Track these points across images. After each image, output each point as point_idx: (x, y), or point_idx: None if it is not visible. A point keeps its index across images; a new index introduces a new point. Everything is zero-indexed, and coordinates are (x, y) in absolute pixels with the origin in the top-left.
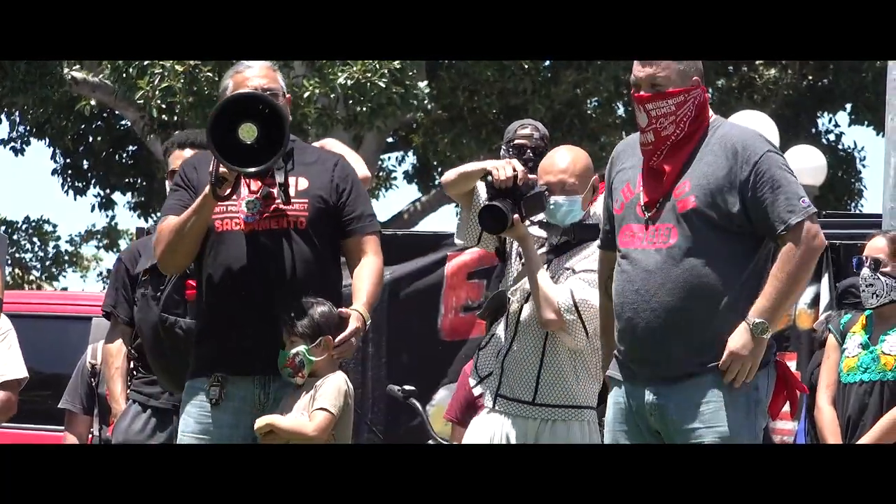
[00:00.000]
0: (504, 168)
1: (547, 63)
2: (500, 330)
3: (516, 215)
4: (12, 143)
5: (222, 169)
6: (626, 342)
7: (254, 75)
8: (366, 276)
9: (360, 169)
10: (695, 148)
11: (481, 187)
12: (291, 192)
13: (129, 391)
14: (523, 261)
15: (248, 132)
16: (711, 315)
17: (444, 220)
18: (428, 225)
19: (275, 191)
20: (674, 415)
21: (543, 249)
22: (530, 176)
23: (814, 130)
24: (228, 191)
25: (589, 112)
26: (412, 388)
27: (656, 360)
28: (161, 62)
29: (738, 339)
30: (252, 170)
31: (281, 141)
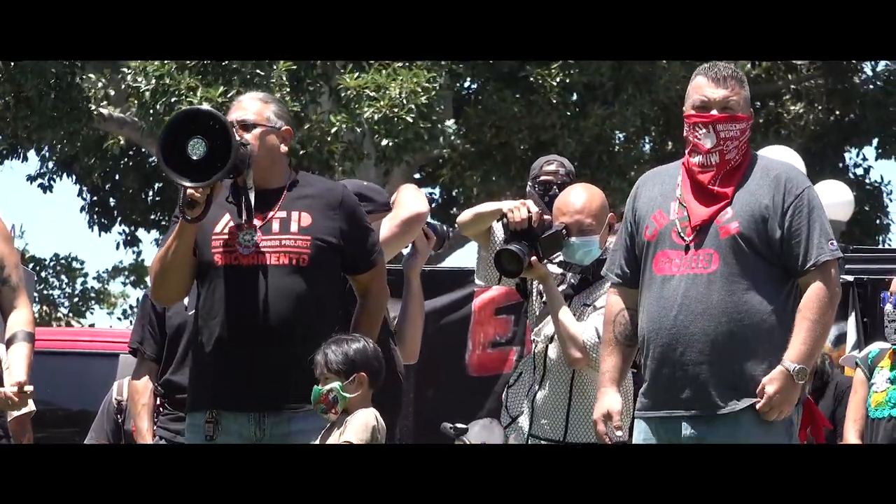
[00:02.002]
0: (518, 209)
1: (574, 98)
2: (526, 369)
3: (534, 257)
4: (40, 180)
5: (189, 191)
6: (663, 370)
7: (234, 108)
8: (364, 325)
9: (418, 205)
10: (741, 177)
11: (498, 228)
12: (294, 227)
13: (155, 427)
14: (544, 299)
15: (194, 147)
16: (753, 343)
17: (470, 256)
18: (455, 261)
19: (276, 225)
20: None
21: (563, 287)
22: (545, 217)
23: (840, 165)
24: (199, 213)
25: (616, 148)
26: (464, 426)
27: (696, 389)
28: (189, 100)
29: (777, 384)
30: (188, 183)
31: (227, 156)
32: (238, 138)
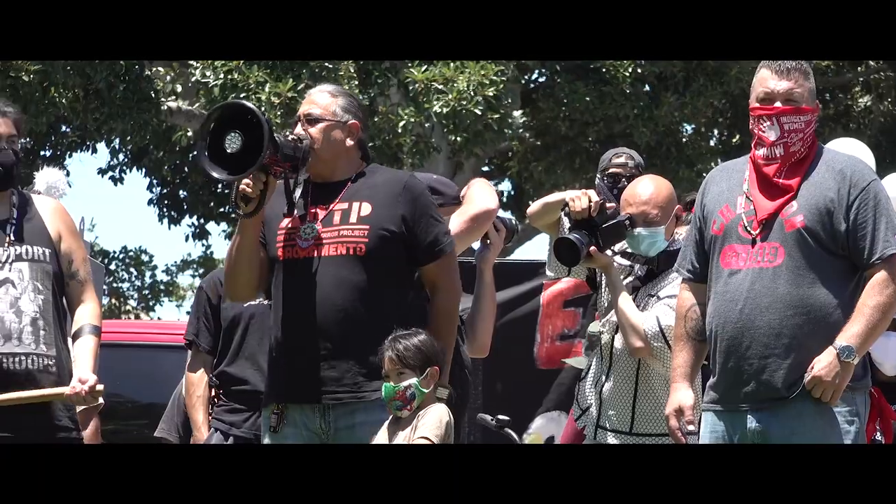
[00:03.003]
0: (580, 199)
1: (647, 89)
2: (595, 361)
3: (593, 247)
4: (111, 172)
5: (241, 186)
6: (729, 363)
7: (305, 101)
8: (442, 337)
9: (488, 201)
10: (807, 169)
11: (564, 219)
12: (353, 217)
13: (211, 419)
14: None
15: (231, 141)
16: (818, 336)
17: (539, 248)
18: (524, 253)
19: (337, 216)
20: (777, 441)
21: (630, 279)
22: (610, 206)
23: None
24: (253, 208)
25: (684, 140)
26: (506, 417)
27: (760, 382)
28: (257, 95)
29: (823, 362)
30: (217, 174)
31: (260, 149)
32: (290, 134)
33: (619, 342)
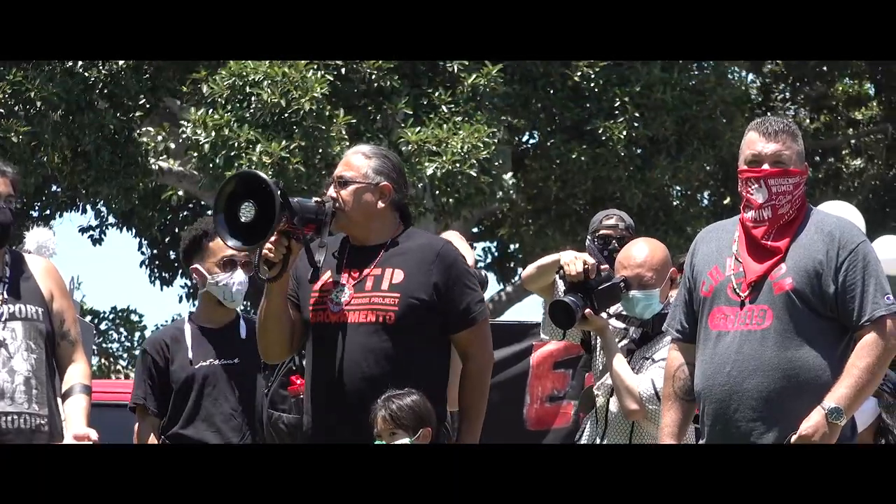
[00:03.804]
0: (574, 262)
1: (639, 151)
2: (589, 424)
3: (588, 310)
4: (90, 232)
5: (264, 252)
6: (717, 426)
7: (340, 163)
8: (471, 403)
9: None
10: (796, 231)
11: (560, 281)
12: (385, 284)
13: None
14: None
15: (245, 210)
16: (807, 399)
17: (529, 309)
18: (514, 315)
19: (370, 282)
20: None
21: (625, 341)
22: (603, 268)
23: None
24: (276, 273)
25: (675, 203)
26: None
27: (749, 444)
28: (249, 156)
29: (811, 422)
30: (232, 243)
31: (272, 220)
32: (323, 195)
33: (613, 405)
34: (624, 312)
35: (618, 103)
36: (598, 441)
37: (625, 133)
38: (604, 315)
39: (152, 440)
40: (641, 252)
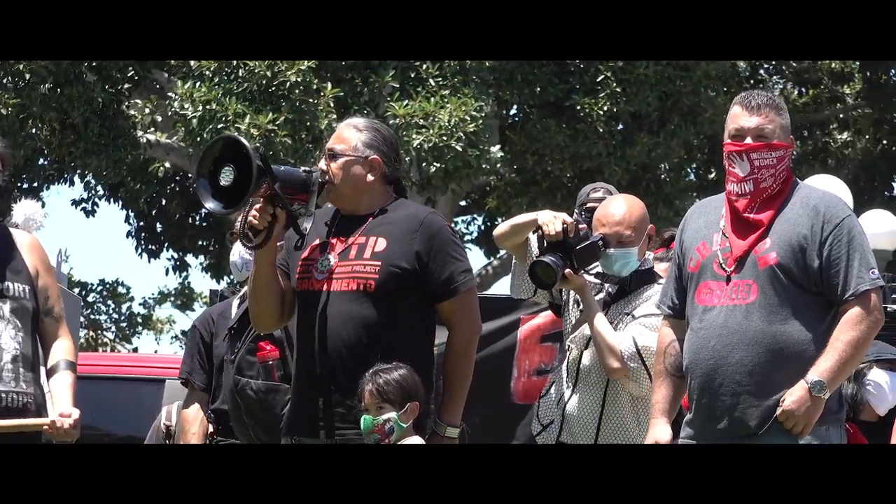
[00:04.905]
0: (553, 222)
1: (620, 127)
2: (560, 375)
3: (568, 269)
4: (83, 205)
5: (249, 219)
6: (703, 400)
7: (333, 136)
8: (455, 374)
9: None
10: (780, 205)
11: (533, 240)
12: (367, 252)
13: None
14: (581, 307)
15: (225, 174)
16: (791, 372)
17: None
18: (500, 288)
19: (354, 251)
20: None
21: (600, 296)
22: (581, 227)
23: (888, 195)
24: (261, 240)
25: (662, 176)
26: None
27: (734, 418)
28: (237, 125)
29: (794, 395)
30: (211, 206)
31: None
32: (308, 168)
33: (587, 358)
34: (601, 270)
35: (601, 78)
36: (567, 394)
37: (605, 108)
38: (582, 273)
39: (198, 413)
40: (619, 209)
